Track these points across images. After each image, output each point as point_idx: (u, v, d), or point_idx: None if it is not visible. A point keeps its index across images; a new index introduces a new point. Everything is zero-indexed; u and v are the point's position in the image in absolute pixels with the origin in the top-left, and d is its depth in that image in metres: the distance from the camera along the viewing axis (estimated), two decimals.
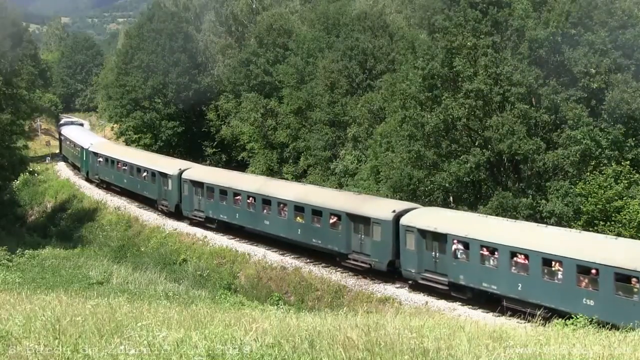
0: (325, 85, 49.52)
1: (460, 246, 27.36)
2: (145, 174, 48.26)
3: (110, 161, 54.69)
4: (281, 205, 35.61)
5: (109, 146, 60.47)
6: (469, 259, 26.98)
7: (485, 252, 26.46)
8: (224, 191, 39.67)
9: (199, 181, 41.92)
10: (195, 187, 42.15)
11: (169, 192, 44.80)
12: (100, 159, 56.47)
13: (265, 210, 36.68)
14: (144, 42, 69.06)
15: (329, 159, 48.76)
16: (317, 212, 33.44)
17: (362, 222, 31.46)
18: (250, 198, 37.71)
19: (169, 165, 46.65)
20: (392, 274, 30.67)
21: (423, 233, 28.72)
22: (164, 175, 45.31)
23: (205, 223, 41.65)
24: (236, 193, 38.80)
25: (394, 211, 30.25)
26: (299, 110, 53.15)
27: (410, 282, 29.67)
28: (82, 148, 60.85)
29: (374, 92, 46.00)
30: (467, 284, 27.01)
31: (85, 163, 60.15)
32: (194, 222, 42.84)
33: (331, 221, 32.69)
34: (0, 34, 55.76)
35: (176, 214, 44.59)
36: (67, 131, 75.33)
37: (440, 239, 28.20)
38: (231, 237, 39.80)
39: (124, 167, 52.01)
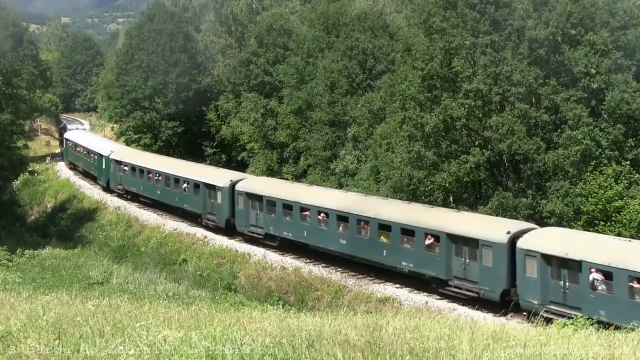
0: (325, 85, 49.51)
1: (599, 276, 23.44)
2: (186, 185, 43.72)
3: (139, 170, 49.82)
4: (362, 223, 31.28)
5: (133, 154, 55.28)
6: (613, 292, 23.00)
7: (637, 285, 22.50)
8: (288, 205, 35.29)
9: (258, 194, 37.41)
10: (252, 200, 37.64)
11: (218, 206, 40.36)
12: (126, 168, 51.60)
13: (340, 228, 32.37)
14: (144, 42, 69.08)
15: (329, 159, 48.75)
16: (408, 231, 29.31)
17: (467, 244, 27.51)
18: (322, 214, 33.36)
19: (217, 176, 42.13)
20: (504, 303, 26.47)
21: (548, 259, 24.77)
22: (211, 187, 40.96)
23: (264, 240, 37.31)
24: (304, 208, 34.34)
25: (508, 232, 26.44)
26: (299, 110, 53.15)
27: (525, 313, 25.52)
28: (101, 155, 56.04)
29: (374, 92, 46.00)
30: (610, 321, 21.52)
31: (105, 172, 55.09)
32: (249, 239, 38.66)
33: (427, 242, 28.59)
34: (0, 34, 55.78)
35: (226, 230, 40.29)
36: (75, 137, 70.17)
37: (571, 266, 24.23)
38: (296, 256, 35.78)
39: (157, 178, 47.38)
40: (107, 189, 55.51)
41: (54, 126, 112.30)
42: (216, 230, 40.91)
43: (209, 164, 59.69)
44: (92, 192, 58.03)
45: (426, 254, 28.63)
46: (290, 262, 35.18)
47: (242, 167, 59.56)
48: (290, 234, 35.36)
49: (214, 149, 67.29)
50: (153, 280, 31.85)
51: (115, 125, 77.53)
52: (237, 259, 37.39)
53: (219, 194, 40.21)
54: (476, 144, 33.96)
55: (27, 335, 8.76)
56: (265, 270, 35.46)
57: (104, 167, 55.38)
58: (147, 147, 65.34)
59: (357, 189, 40.22)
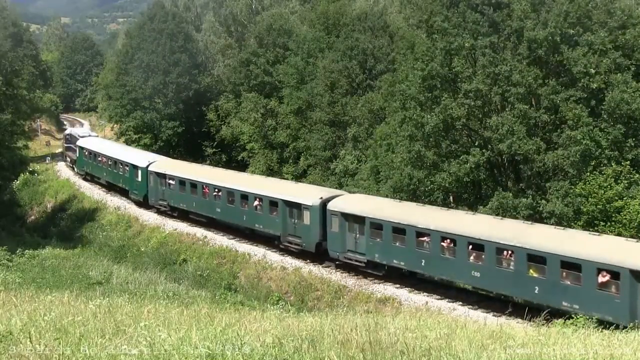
0: (325, 85, 49.55)
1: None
2: (258, 202, 37.20)
3: (190, 185, 42.87)
4: (506, 252, 26.04)
5: (180, 166, 47.90)
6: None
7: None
8: (400, 229, 29.83)
9: (358, 215, 31.68)
10: (349, 222, 32.14)
11: (305, 228, 34.33)
12: (171, 182, 44.68)
13: (472, 258, 27.20)
14: (144, 42, 69.14)
15: (329, 159, 48.77)
16: (571, 265, 24.04)
17: None
18: (447, 240, 28.11)
19: (302, 192, 35.80)
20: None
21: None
22: (295, 206, 34.88)
23: (366, 269, 31.88)
24: (422, 233, 29.00)
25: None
26: (299, 110, 53.18)
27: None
28: (136, 167, 48.65)
29: (374, 92, 46.03)
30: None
31: (141, 186, 48.05)
32: (346, 265, 33.01)
33: (601, 280, 23.21)
34: (1, 34, 55.82)
35: (315, 254, 34.53)
36: (94, 145, 60.21)
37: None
38: (398, 285, 30.90)
39: (216, 193, 40.42)
40: (141, 203, 48.84)
41: (54, 126, 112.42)
42: (301, 254, 35.33)
43: (209, 164, 59.66)
44: (92, 192, 58.01)
45: (599, 294, 23.14)
46: (290, 262, 35.18)
47: (242, 167, 59.59)
48: (402, 263, 30.05)
49: (214, 149, 67.34)
50: (153, 280, 31.84)
51: (115, 125, 77.54)
52: (237, 259, 37.39)
53: (306, 213, 34.23)
54: (476, 144, 34.00)
55: (27, 335, 8.77)
56: (265, 270, 35.46)
57: (139, 179, 48.13)
58: (147, 147, 65.35)
59: (357, 189, 40.24)
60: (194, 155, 64.15)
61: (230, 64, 68.61)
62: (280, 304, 27.45)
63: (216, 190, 40.42)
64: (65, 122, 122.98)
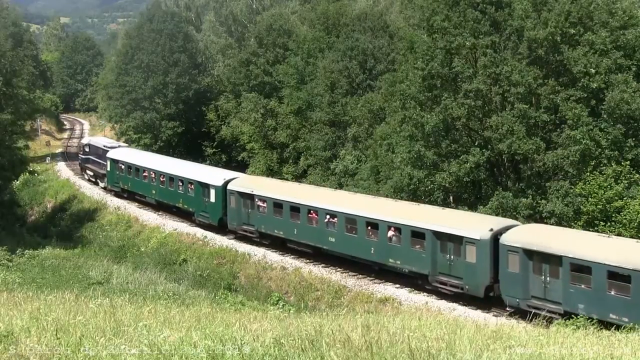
0: (325, 85, 49.55)
1: None
2: (393, 232, 30.06)
3: (291, 208, 35.20)
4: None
5: (269, 184, 40.20)
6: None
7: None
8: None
9: (551, 253, 24.67)
10: (535, 261, 25.30)
11: (468, 267, 27.24)
12: (262, 204, 37.05)
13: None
14: (144, 42, 69.18)
15: (329, 159, 48.77)
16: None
17: None
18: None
19: (461, 222, 28.56)
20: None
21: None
22: (452, 239, 27.85)
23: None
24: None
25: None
26: (299, 111, 53.19)
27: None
28: (207, 186, 41.28)
29: (374, 92, 46.03)
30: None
31: (215, 208, 40.65)
32: (524, 315, 24.76)
33: None
34: (1, 34, 55.85)
35: (481, 299, 27.47)
36: (133, 157, 52.81)
37: None
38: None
39: (328, 220, 33.05)
40: (211, 227, 41.57)
41: (54, 126, 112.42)
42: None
43: (209, 164, 59.57)
44: (92, 192, 58.02)
45: None
46: (290, 262, 35.18)
47: (242, 167, 59.62)
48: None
49: (214, 149, 67.37)
50: (153, 280, 31.86)
51: (115, 126, 77.55)
52: (237, 259, 37.39)
53: (469, 249, 27.19)
54: (476, 143, 34.00)
55: (28, 335, 8.78)
56: (265, 270, 35.46)
57: (212, 200, 40.82)
58: (147, 147, 65.36)
59: (357, 189, 40.23)
60: (194, 155, 64.15)
61: (230, 64, 68.63)
62: (280, 304, 27.49)
63: (329, 215, 32.95)
64: (65, 122, 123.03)
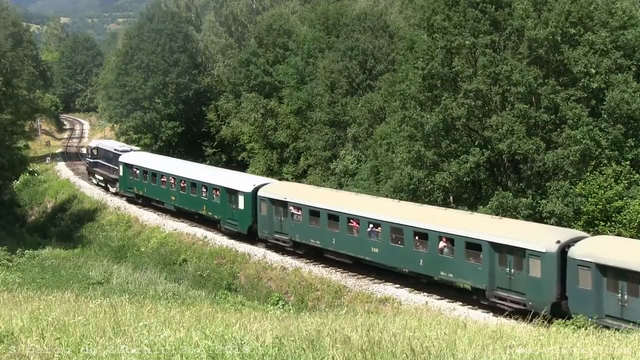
0: (325, 85, 49.57)
1: None
2: (445, 244, 27.51)
3: (328, 216, 32.73)
4: None
5: (303, 191, 37.05)
6: None
7: None
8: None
9: None
10: (609, 277, 22.77)
11: (533, 282, 24.70)
12: (296, 212, 34.53)
13: None
14: (144, 42, 69.21)
15: (329, 159, 48.79)
16: None
17: None
18: None
19: (522, 233, 25.84)
20: None
21: None
22: (513, 251, 25.27)
23: None
24: None
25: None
26: (299, 111, 53.22)
27: None
28: (235, 192, 38.55)
29: (374, 92, 46.05)
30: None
31: (244, 215, 37.99)
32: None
33: None
34: (1, 34, 55.86)
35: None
36: (148, 162, 49.80)
37: None
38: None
39: (371, 229, 30.52)
40: (239, 236, 39.06)
41: (54, 126, 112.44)
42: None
43: (209, 164, 59.49)
44: (92, 192, 58.02)
45: None
46: (290, 262, 35.16)
47: (242, 167, 59.63)
48: None
49: (214, 149, 67.40)
50: (153, 280, 31.86)
51: (115, 126, 77.58)
52: (237, 259, 37.36)
53: (533, 262, 24.69)
54: (476, 143, 34.01)
55: (28, 335, 8.78)
56: (265, 270, 35.45)
57: (240, 207, 38.14)
58: (147, 147, 65.36)
59: (357, 189, 40.22)
60: (194, 155, 64.18)
61: (230, 64, 68.70)
62: (280, 304, 27.50)
63: (372, 224, 30.69)
64: (65, 122, 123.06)
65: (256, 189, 37.37)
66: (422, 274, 29.13)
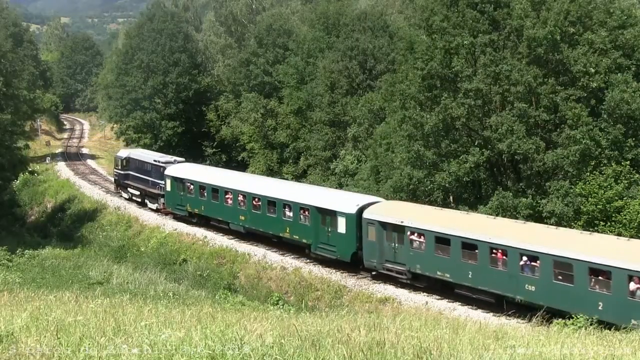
0: (325, 85, 49.58)
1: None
2: (638, 286, 21.92)
3: (462, 245, 27.11)
4: None
5: (427, 213, 30.28)
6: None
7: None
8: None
9: None
10: None
11: (347, 237, 28.02)
12: (418, 239, 29.03)
13: None
14: (144, 42, 69.23)
15: (329, 159, 48.80)
16: None
17: None
18: None
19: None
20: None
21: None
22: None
23: None
24: None
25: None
26: (299, 110, 53.22)
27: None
28: (333, 213, 32.80)
29: (374, 92, 46.06)
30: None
31: (347, 241, 32.26)
32: None
33: None
34: (1, 34, 55.85)
35: None
36: (205, 176, 43.34)
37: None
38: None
39: (525, 262, 24.98)
40: (339, 263, 33.25)
41: (54, 126, 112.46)
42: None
43: (210, 164, 59.43)
44: (92, 192, 58.02)
45: None
46: (290, 262, 35.17)
47: (242, 167, 59.64)
48: None
49: (214, 149, 67.41)
50: (153, 280, 31.87)
51: (115, 125, 77.59)
52: (237, 259, 37.37)
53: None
54: (476, 143, 33.99)
55: (28, 335, 8.78)
56: (265, 270, 35.45)
57: (342, 232, 32.43)
58: (147, 147, 65.36)
59: (357, 189, 40.20)
60: (194, 155, 64.20)
61: (230, 64, 68.73)
62: (280, 304, 27.50)
63: (526, 257, 24.94)
64: (65, 122, 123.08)
65: (361, 210, 31.86)
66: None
